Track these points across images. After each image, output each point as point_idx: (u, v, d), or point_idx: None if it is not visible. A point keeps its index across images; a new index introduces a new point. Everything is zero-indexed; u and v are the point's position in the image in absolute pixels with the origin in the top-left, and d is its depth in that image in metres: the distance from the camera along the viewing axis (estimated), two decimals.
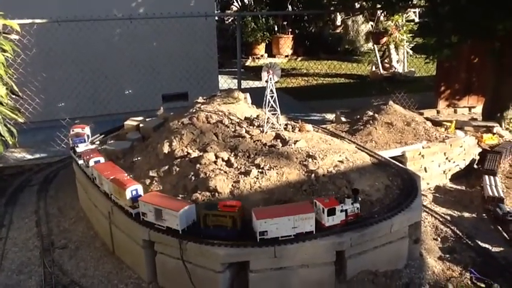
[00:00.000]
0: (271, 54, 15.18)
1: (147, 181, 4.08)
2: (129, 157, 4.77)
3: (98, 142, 5.38)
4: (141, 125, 5.40)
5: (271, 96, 4.43)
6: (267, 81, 4.38)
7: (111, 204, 3.90)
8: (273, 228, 3.25)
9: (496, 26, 5.79)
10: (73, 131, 5.02)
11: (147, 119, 5.59)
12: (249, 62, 14.55)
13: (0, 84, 4.25)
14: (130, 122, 5.57)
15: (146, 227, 3.52)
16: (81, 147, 4.73)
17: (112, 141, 5.25)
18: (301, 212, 3.31)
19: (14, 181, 5.84)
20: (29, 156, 6.65)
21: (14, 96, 4.80)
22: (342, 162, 4.16)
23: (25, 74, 6.73)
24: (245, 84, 8.86)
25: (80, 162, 4.56)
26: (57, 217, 4.85)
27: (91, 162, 4.28)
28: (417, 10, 12.02)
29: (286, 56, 15.15)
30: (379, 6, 8.54)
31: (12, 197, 5.36)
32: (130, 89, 8.37)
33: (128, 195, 3.65)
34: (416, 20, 12.15)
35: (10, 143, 4.55)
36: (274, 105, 4.45)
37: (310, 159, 4.05)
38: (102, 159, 4.34)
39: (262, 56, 14.96)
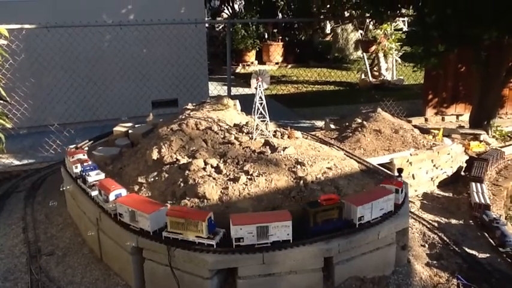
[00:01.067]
0: (261, 62, 15.25)
1: (136, 187, 4.08)
2: (118, 163, 4.76)
3: (86, 148, 5.36)
4: (130, 131, 5.39)
5: (261, 103, 4.44)
6: (256, 88, 4.41)
7: (99, 211, 3.88)
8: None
9: (481, 35, 5.88)
10: (72, 157, 4.50)
11: (136, 125, 5.58)
12: (239, 69, 14.60)
13: None
14: (119, 128, 5.55)
15: (134, 234, 3.51)
16: (93, 176, 4.11)
17: (101, 148, 5.23)
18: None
19: (1, 187, 5.79)
20: (16, 162, 6.58)
21: (1, 101, 4.76)
22: (330, 169, 4.18)
23: (13, 80, 6.69)
24: (235, 91, 8.88)
25: (94, 193, 3.97)
26: (44, 223, 4.80)
27: (112, 196, 3.72)
28: (406, 19, 12.17)
29: (277, 63, 15.22)
30: (367, 15, 8.64)
31: None
32: (120, 95, 8.35)
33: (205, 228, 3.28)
34: (405, 28, 12.31)
35: None
36: (263, 112, 4.47)
37: (298, 166, 4.07)
38: (123, 191, 3.79)
39: (252, 63, 15.01)
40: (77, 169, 4.36)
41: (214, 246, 3.24)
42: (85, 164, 4.36)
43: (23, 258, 4.21)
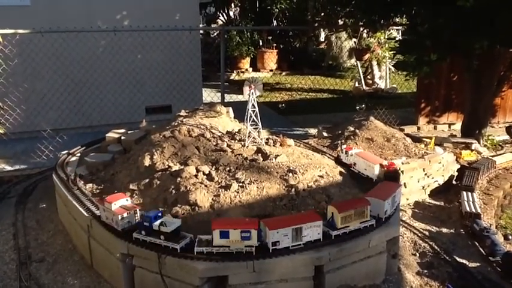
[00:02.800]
0: (256, 69, 15.30)
1: (128, 194, 4.06)
2: (110, 170, 4.75)
3: (78, 154, 5.35)
4: (122, 138, 5.38)
5: (253, 111, 4.46)
6: (249, 96, 4.42)
7: (91, 218, 3.87)
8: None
9: (472, 44, 5.94)
10: (113, 204, 3.54)
11: (129, 132, 5.58)
12: (234, 76, 14.64)
13: None
14: (112, 134, 5.55)
15: (125, 241, 3.50)
16: (170, 226, 3.34)
17: (93, 154, 5.22)
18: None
19: None
20: (8, 168, 6.55)
21: None
22: (322, 177, 4.20)
23: (6, 85, 6.67)
24: (228, 98, 8.89)
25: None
26: (35, 230, 4.77)
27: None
28: (399, 28, 12.27)
29: (271, 71, 15.27)
30: (361, 23, 8.70)
31: None
32: (114, 101, 8.34)
33: None
34: (399, 37, 12.40)
35: None
36: (255, 119, 4.49)
37: (290, 174, 4.08)
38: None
39: (246, 70, 15.06)
40: (125, 220, 3.52)
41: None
42: (135, 210, 3.57)
43: (12, 265, 4.18)
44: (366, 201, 3.62)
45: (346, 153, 4.70)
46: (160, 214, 3.44)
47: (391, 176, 4.35)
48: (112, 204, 3.53)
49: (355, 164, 4.61)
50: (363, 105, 7.60)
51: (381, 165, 4.44)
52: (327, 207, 3.57)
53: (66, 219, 4.62)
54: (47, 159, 6.51)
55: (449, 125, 8.74)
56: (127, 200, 3.68)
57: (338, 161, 4.80)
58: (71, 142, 6.20)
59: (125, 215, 3.51)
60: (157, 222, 3.33)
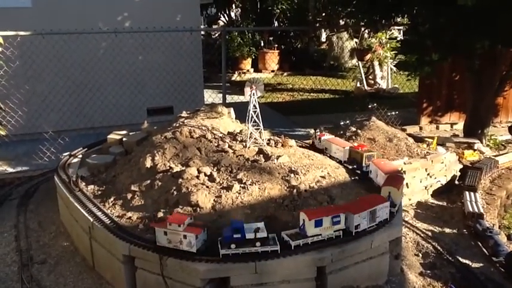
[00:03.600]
0: (257, 69, 15.29)
1: (129, 195, 4.06)
2: (112, 171, 4.75)
3: (80, 156, 5.34)
4: (124, 139, 5.38)
5: (254, 112, 4.45)
6: (250, 97, 4.41)
7: (92, 219, 3.86)
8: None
9: (474, 44, 5.92)
10: (181, 225, 3.26)
11: (130, 133, 5.57)
12: (235, 77, 14.63)
13: None
14: (113, 136, 5.54)
15: (126, 242, 3.49)
16: (263, 230, 3.30)
17: (94, 155, 5.22)
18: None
19: None
20: (10, 170, 6.54)
21: None
22: (324, 177, 4.19)
23: (7, 86, 6.67)
24: (230, 98, 8.87)
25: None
26: (37, 232, 4.77)
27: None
28: (401, 28, 12.25)
29: (272, 71, 15.26)
30: (362, 23, 8.69)
31: None
32: (115, 102, 8.33)
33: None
34: (400, 37, 12.38)
35: None
36: (257, 120, 4.48)
37: (292, 175, 4.06)
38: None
39: (248, 71, 15.05)
40: (200, 239, 3.28)
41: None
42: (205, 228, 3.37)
43: (14, 267, 4.18)
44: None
45: (319, 140, 5.20)
46: (240, 223, 3.38)
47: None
48: (180, 225, 3.25)
49: (326, 148, 5.08)
50: (375, 104, 7.59)
51: (350, 148, 4.80)
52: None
53: (67, 220, 4.62)
54: (48, 161, 6.51)
55: (452, 124, 8.72)
56: (190, 218, 3.38)
57: (313, 147, 5.19)
58: (73, 144, 6.20)
59: (201, 234, 3.27)
60: (251, 231, 3.28)
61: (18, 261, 4.25)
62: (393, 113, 7.71)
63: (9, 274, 4.09)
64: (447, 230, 4.98)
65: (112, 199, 4.14)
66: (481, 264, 4.32)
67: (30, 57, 7.36)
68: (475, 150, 7.01)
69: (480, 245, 4.64)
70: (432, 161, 5.67)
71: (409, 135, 6.65)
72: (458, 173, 6.11)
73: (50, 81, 7.87)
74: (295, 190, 3.91)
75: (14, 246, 4.50)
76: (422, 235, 4.82)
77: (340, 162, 4.78)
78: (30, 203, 5.42)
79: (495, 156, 6.87)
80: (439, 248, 4.57)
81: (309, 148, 5.18)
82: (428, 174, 5.68)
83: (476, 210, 5.02)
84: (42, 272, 4.09)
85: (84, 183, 4.56)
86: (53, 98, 7.83)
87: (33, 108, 7.70)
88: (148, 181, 4.15)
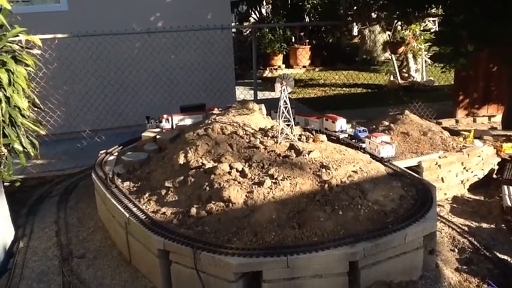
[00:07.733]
0: (288, 65, 15.23)
1: (163, 191, 4.16)
2: (146, 168, 4.86)
3: (116, 153, 5.49)
4: (158, 137, 5.50)
5: (285, 107, 4.47)
6: (280, 92, 4.43)
7: (128, 215, 3.97)
8: None
9: (509, 35, 5.73)
10: (378, 138, 5.02)
11: (164, 131, 5.68)
12: (267, 73, 14.64)
13: (22, 97, 4.37)
14: (147, 134, 5.67)
15: (161, 237, 3.58)
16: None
17: (130, 153, 5.35)
18: None
19: (35, 192, 5.98)
20: (50, 168, 6.79)
21: (36, 109, 4.92)
22: (355, 172, 4.16)
23: (47, 88, 6.90)
24: (261, 95, 8.88)
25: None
26: (76, 227, 4.95)
27: None
28: (436, 19, 11.95)
29: (304, 67, 15.18)
30: (395, 16, 8.54)
31: (33, 208, 5.49)
32: (149, 101, 8.50)
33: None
34: (435, 29, 12.08)
35: (32, 154, 4.67)
36: (288, 116, 4.49)
37: (323, 170, 4.06)
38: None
39: (279, 67, 15.01)
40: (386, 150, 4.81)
41: None
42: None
43: (55, 261, 4.35)
44: None
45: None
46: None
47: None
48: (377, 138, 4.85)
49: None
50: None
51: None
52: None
53: (105, 216, 4.76)
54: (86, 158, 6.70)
55: (489, 117, 8.46)
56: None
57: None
58: (109, 142, 6.37)
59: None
60: None
61: (59, 256, 4.42)
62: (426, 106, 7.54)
63: (51, 268, 4.27)
64: (484, 225, 4.86)
65: (147, 195, 4.24)
66: None
67: (67, 59, 7.60)
68: None
69: None
70: (468, 154, 5.54)
71: (445, 128, 6.50)
72: (496, 167, 5.94)
73: (86, 81, 8.10)
74: (326, 185, 3.90)
75: (55, 241, 4.69)
76: (458, 230, 4.71)
77: (372, 156, 4.75)
78: (69, 200, 5.61)
79: None
80: (475, 243, 4.46)
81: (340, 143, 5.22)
82: (464, 168, 5.54)
83: None
84: (81, 265, 4.24)
85: (120, 180, 4.69)
86: (89, 98, 8.06)
87: (71, 108, 7.95)
88: (182, 177, 4.23)
